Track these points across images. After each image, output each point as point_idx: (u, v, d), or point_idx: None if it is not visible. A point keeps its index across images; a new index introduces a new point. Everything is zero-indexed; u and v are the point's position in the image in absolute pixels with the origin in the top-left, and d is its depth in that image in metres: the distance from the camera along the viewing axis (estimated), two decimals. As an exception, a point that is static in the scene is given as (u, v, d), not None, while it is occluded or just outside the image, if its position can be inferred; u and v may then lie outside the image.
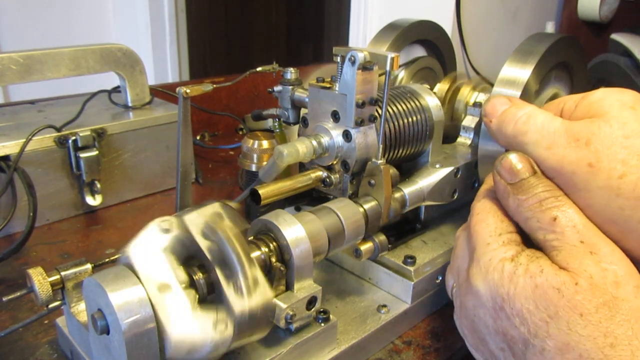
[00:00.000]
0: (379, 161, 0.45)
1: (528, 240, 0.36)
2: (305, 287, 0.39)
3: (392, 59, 0.42)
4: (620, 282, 0.31)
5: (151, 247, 0.33)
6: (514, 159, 0.36)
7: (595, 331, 0.30)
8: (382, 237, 0.46)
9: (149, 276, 0.32)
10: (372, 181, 0.45)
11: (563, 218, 0.33)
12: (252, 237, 0.39)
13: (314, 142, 0.46)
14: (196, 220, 0.34)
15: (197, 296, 0.33)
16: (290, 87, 0.52)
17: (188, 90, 0.43)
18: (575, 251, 0.33)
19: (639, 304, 0.31)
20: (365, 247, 0.45)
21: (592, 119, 0.35)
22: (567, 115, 0.38)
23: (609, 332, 0.30)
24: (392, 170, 0.46)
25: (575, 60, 0.58)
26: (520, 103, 0.40)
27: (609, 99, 0.35)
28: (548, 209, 0.34)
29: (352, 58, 0.43)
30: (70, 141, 0.66)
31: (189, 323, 0.32)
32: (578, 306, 0.31)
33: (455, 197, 0.54)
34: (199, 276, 0.33)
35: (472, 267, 0.36)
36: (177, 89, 0.43)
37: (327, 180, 0.47)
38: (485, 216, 0.38)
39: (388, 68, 0.42)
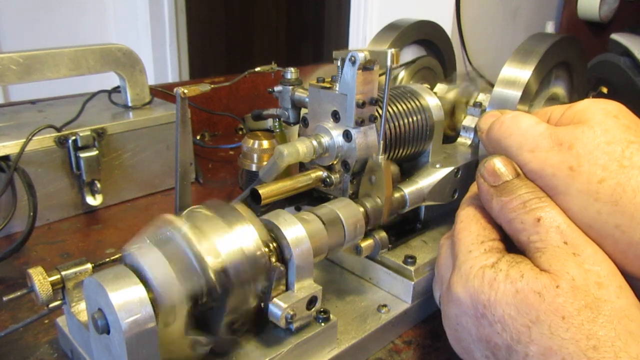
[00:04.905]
0: (379, 157, 0.44)
1: (512, 248, 0.36)
2: (305, 287, 0.39)
3: (393, 54, 0.42)
4: (603, 282, 0.31)
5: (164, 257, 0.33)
6: (497, 162, 0.37)
7: (577, 334, 0.30)
8: (382, 234, 0.46)
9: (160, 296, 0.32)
10: (373, 177, 0.45)
11: (547, 219, 0.34)
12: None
13: (314, 142, 0.46)
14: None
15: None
16: (291, 87, 0.52)
17: (185, 91, 0.43)
18: (558, 252, 0.33)
19: (622, 304, 0.31)
20: (366, 243, 0.45)
21: (576, 125, 0.35)
22: (553, 123, 0.39)
23: (592, 334, 0.30)
24: (393, 167, 0.46)
25: (576, 60, 0.58)
26: (508, 111, 0.41)
27: (594, 107, 0.36)
28: (532, 210, 0.34)
29: (353, 58, 0.43)
30: (70, 141, 0.66)
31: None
32: (560, 309, 0.31)
33: (456, 197, 0.54)
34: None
35: (454, 275, 0.36)
36: (175, 90, 0.43)
37: (328, 180, 0.47)
38: (468, 224, 0.38)
39: (389, 64, 0.42)
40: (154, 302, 0.31)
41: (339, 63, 0.44)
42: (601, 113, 0.35)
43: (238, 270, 0.34)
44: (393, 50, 0.42)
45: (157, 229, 0.35)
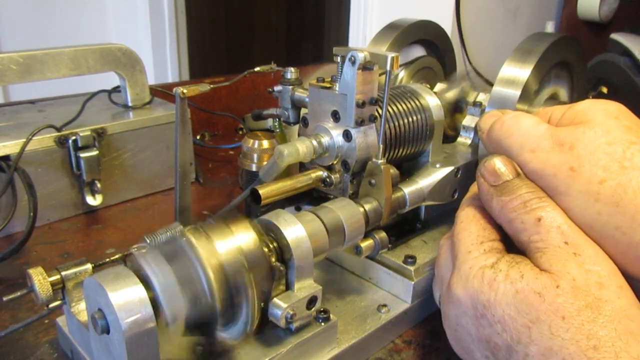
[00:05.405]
0: (379, 161, 0.45)
1: (512, 248, 0.36)
2: (305, 287, 0.39)
3: (393, 58, 0.42)
4: (604, 283, 0.31)
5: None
6: (497, 161, 0.37)
7: (577, 334, 0.30)
8: (382, 234, 0.46)
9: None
10: (373, 181, 0.45)
11: (548, 219, 0.34)
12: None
13: (314, 142, 0.46)
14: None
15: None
16: (291, 87, 0.52)
17: (185, 91, 0.43)
18: (559, 252, 0.32)
19: (622, 304, 0.30)
20: (366, 244, 0.45)
21: (577, 125, 0.35)
22: (553, 123, 0.39)
23: (592, 334, 0.30)
24: (393, 170, 0.46)
25: (575, 59, 0.58)
26: (509, 111, 0.41)
27: (594, 108, 0.36)
28: (532, 209, 0.34)
29: (353, 58, 0.43)
30: (70, 141, 0.66)
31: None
32: (560, 309, 0.31)
33: (456, 196, 0.54)
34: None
35: (453, 275, 0.36)
36: (174, 89, 0.43)
37: (328, 180, 0.47)
38: (468, 224, 0.38)
39: (388, 68, 0.42)
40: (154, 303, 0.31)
41: (339, 59, 0.44)
42: (602, 114, 0.35)
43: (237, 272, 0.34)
44: (393, 54, 0.42)
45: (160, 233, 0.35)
